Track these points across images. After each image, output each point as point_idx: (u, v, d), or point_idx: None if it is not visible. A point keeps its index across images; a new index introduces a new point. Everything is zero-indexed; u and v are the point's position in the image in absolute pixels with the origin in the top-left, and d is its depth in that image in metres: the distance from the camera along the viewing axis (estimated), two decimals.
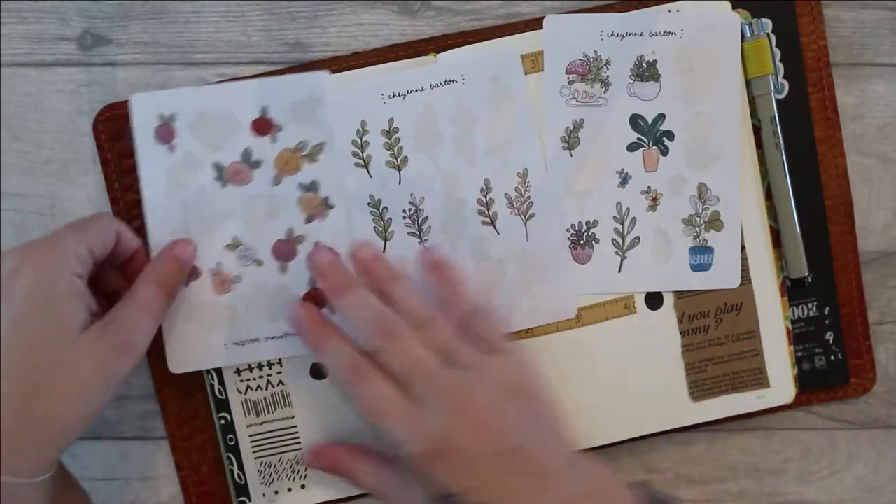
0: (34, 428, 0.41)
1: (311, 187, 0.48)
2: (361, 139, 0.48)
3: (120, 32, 0.50)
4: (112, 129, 0.49)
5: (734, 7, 0.48)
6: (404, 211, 0.49)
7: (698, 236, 0.49)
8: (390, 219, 0.49)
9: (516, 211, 0.49)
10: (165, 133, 0.47)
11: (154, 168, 0.48)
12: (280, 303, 0.48)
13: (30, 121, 0.50)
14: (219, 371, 0.49)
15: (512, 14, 0.50)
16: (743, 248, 0.49)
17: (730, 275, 0.49)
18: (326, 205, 0.48)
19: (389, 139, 0.48)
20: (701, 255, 0.49)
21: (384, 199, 0.49)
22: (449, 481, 0.41)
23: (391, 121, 0.48)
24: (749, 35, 0.48)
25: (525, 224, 0.49)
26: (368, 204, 0.48)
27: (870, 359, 0.50)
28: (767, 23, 0.49)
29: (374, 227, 0.49)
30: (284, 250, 0.48)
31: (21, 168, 0.50)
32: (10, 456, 0.40)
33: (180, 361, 0.48)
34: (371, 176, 0.48)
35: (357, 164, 0.48)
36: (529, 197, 0.49)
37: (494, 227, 0.49)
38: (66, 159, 0.50)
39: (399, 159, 0.48)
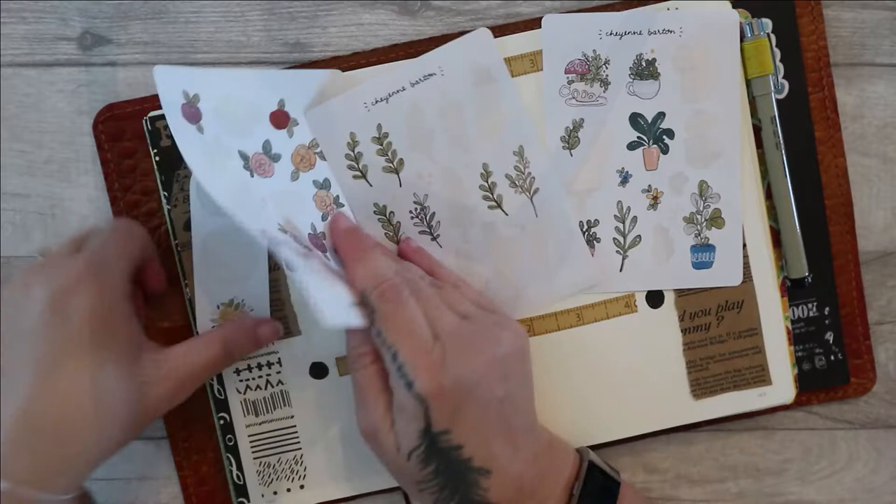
0: (71, 451, 0.40)
1: (325, 185, 0.48)
2: (354, 151, 0.48)
3: (120, 32, 0.50)
4: (112, 129, 0.49)
5: (734, 7, 0.48)
6: (411, 212, 0.49)
7: (700, 234, 0.49)
8: (399, 222, 0.49)
9: (520, 189, 0.49)
10: (192, 114, 0.43)
11: (190, 147, 0.43)
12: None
13: (30, 121, 0.50)
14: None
15: (512, 14, 0.50)
16: (744, 245, 0.49)
17: (732, 272, 0.49)
18: (337, 203, 0.48)
19: (381, 145, 0.48)
20: (703, 253, 0.49)
21: (389, 205, 0.48)
22: (440, 418, 0.41)
23: (379, 127, 0.48)
24: (749, 35, 0.48)
25: (531, 200, 0.49)
26: (375, 212, 0.48)
27: (870, 359, 0.50)
28: (767, 23, 0.49)
29: (385, 234, 0.48)
30: (318, 245, 0.46)
31: (21, 168, 0.50)
32: (48, 474, 0.40)
33: None
34: (371, 185, 0.48)
35: (355, 176, 0.48)
36: (530, 173, 0.48)
37: (502, 210, 0.49)
38: (66, 159, 0.50)
39: (395, 163, 0.48)
